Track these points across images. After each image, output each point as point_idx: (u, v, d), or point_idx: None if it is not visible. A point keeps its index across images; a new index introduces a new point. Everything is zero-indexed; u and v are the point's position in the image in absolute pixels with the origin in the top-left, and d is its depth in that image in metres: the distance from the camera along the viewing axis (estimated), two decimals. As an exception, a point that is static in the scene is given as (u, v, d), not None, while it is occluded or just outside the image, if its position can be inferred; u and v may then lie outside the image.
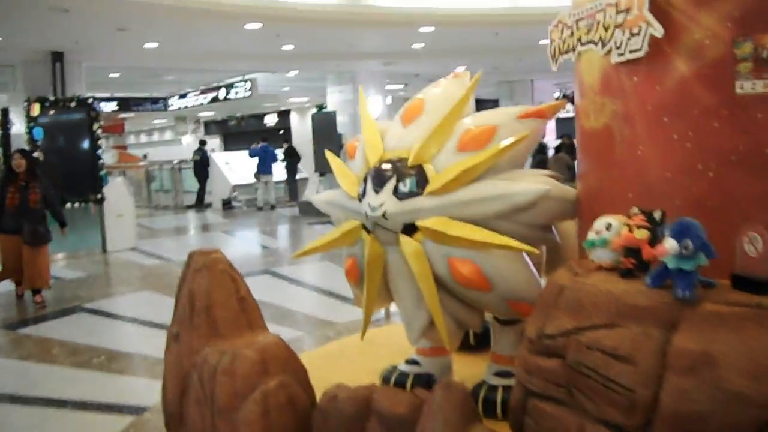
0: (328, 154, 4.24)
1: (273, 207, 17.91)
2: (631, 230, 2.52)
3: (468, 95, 3.58)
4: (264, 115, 30.25)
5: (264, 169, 17.80)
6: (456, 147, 3.44)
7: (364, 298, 3.69)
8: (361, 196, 3.52)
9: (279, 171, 18.75)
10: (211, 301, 3.43)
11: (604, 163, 3.18)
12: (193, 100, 19.37)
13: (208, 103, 18.56)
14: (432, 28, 10.30)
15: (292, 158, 19.44)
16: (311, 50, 12.63)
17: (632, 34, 2.86)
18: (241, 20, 8.83)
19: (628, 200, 3.04)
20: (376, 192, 3.41)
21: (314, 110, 27.77)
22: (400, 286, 3.62)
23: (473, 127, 3.48)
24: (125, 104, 20.19)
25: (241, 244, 12.43)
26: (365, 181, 3.54)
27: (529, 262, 3.60)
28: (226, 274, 3.52)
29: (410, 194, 3.37)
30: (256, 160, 17.78)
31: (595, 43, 3.11)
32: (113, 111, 19.93)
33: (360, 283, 3.80)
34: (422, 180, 3.40)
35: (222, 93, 17.40)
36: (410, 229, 3.40)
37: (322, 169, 16.66)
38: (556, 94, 22.22)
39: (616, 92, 3.05)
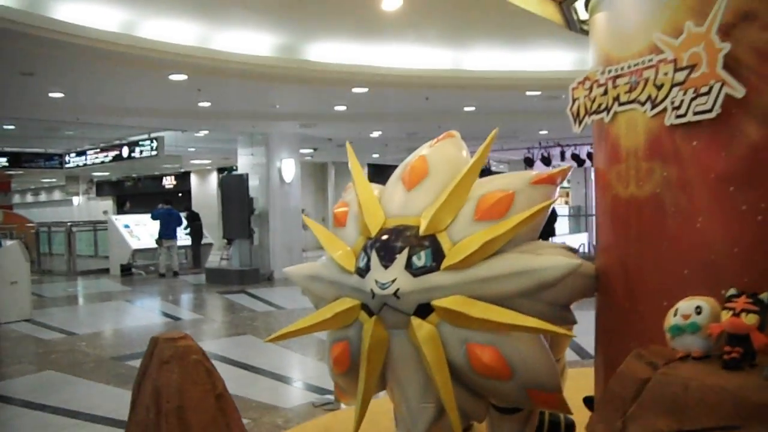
0: (309, 221, 3.75)
1: (176, 274, 16.87)
2: (737, 315, 2.13)
3: (483, 157, 3.20)
4: (162, 176, 29.08)
5: (167, 233, 16.78)
6: (473, 215, 3.04)
7: (360, 390, 3.16)
8: (363, 271, 3.03)
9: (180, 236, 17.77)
10: (184, 401, 2.80)
11: (648, 236, 2.83)
12: (92, 157, 18.15)
13: (110, 161, 17.43)
14: (365, 89, 9.99)
15: (196, 222, 18.54)
16: (229, 108, 12.05)
17: (698, 94, 2.55)
18: (167, 70, 8.19)
19: (682, 278, 2.70)
20: (385, 267, 2.93)
21: (215, 173, 26.96)
22: (405, 375, 3.12)
23: (489, 194, 3.09)
24: (16, 160, 18.66)
25: (148, 315, 11.44)
26: (366, 252, 3.05)
27: (547, 346, 3.21)
28: (201, 366, 2.90)
29: (425, 269, 2.93)
30: (157, 223, 16.77)
31: (642, 103, 2.79)
32: (2, 167, 18.42)
33: (350, 372, 3.26)
34: (438, 252, 2.95)
35: (125, 151, 16.37)
36: (423, 310, 2.94)
37: (231, 234, 15.90)
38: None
39: (668, 157, 2.73)
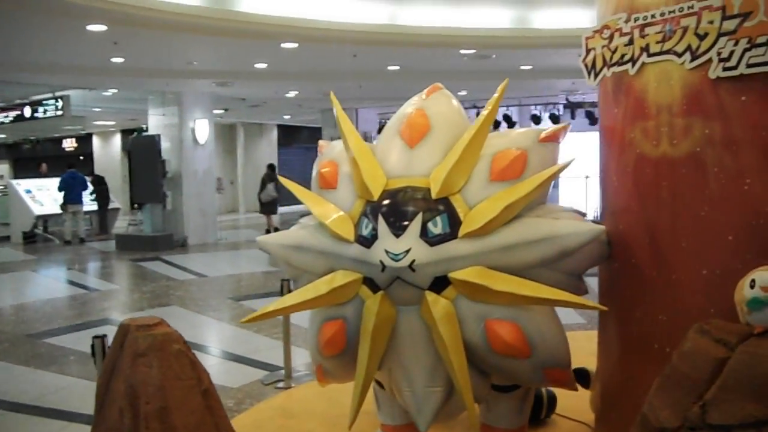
0: (288, 182, 3.32)
1: (83, 240, 15.90)
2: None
3: (495, 111, 2.88)
4: (62, 138, 27.35)
5: (72, 197, 15.75)
6: (488, 175, 2.74)
7: (361, 375, 2.80)
8: (367, 240, 2.67)
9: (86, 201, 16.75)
10: (167, 400, 2.36)
11: (685, 198, 2.60)
12: (-9, 118, 16.68)
13: (10, 122, 16.03)
14: (295, 44, 9.46)
15: (102, 187, 17.55)
16: (143, 65, 11.23)
17: (753, 45, 2.31)
18: (87, 19, 7.40)
19: (726, 244, 2.49)
20: (396, 235, 2.58)
21: (119, 135, 25.63)
22: (411, 356, 2.79)
23: (503, 152, 2.79)
24: None
25: (60, 287, 10.61)
26: (369, 218, 2.69)
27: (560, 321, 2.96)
28: (184, 357, 2.48)
29: (442, 237, 2.60)
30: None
31: (679, 54, 2.53)
32: None
33: (344, 355, 2.90)
34: (453, 218, 2.64)
35: (27, 111, 15.09)
36: (438, 284, 2.63)
37: (142, 199, 15.07)
38: (383, 122, 22.24)
39: (711, 113, 2.49)
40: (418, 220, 2.59)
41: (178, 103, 14.80)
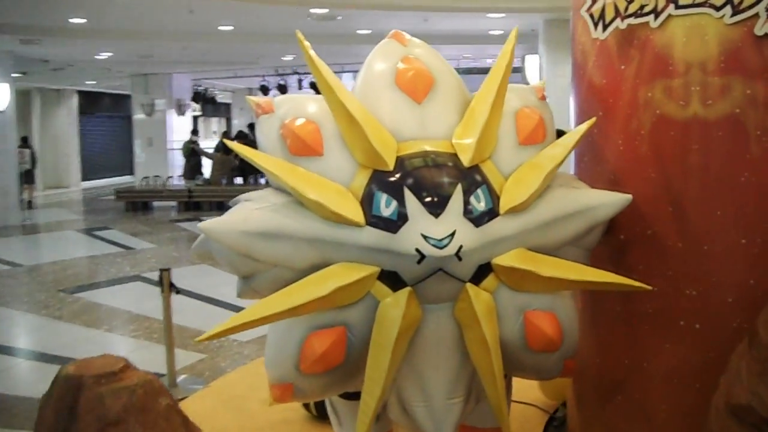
0: (248, 150, 2.46)
1: None
2: None
3: (511, 63, 2.42)
4: None
5: None
6: (516, 138, 2.37)
7: (375, 395, 2.21)
8: (391, 223, 2.10)
9: None
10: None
11: (720, 163, 2.41)
12: None
13: None
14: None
15: None
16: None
17: (817, -5, 2.15)
18: None
19: (771, 212, 2.34)
20: (435, 214, 2.08)
21: None
22: (433, 365, 2.31)
23: (527, 110, 2.45)
24: None
25: None
26: (387, 193, 2.13)
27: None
28: (175, 415, 1.83)
29: (486, 215, 2.16)
30: None
31: (717, 8, 2.32)
32: None
33: (339, 370, 2.26)
34: (491, 190, 2.22)
35: None
36: (479, 273, 2.20)
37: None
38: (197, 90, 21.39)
39: (754, 72, 2.32)
40: (459, 193, 2.10)
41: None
